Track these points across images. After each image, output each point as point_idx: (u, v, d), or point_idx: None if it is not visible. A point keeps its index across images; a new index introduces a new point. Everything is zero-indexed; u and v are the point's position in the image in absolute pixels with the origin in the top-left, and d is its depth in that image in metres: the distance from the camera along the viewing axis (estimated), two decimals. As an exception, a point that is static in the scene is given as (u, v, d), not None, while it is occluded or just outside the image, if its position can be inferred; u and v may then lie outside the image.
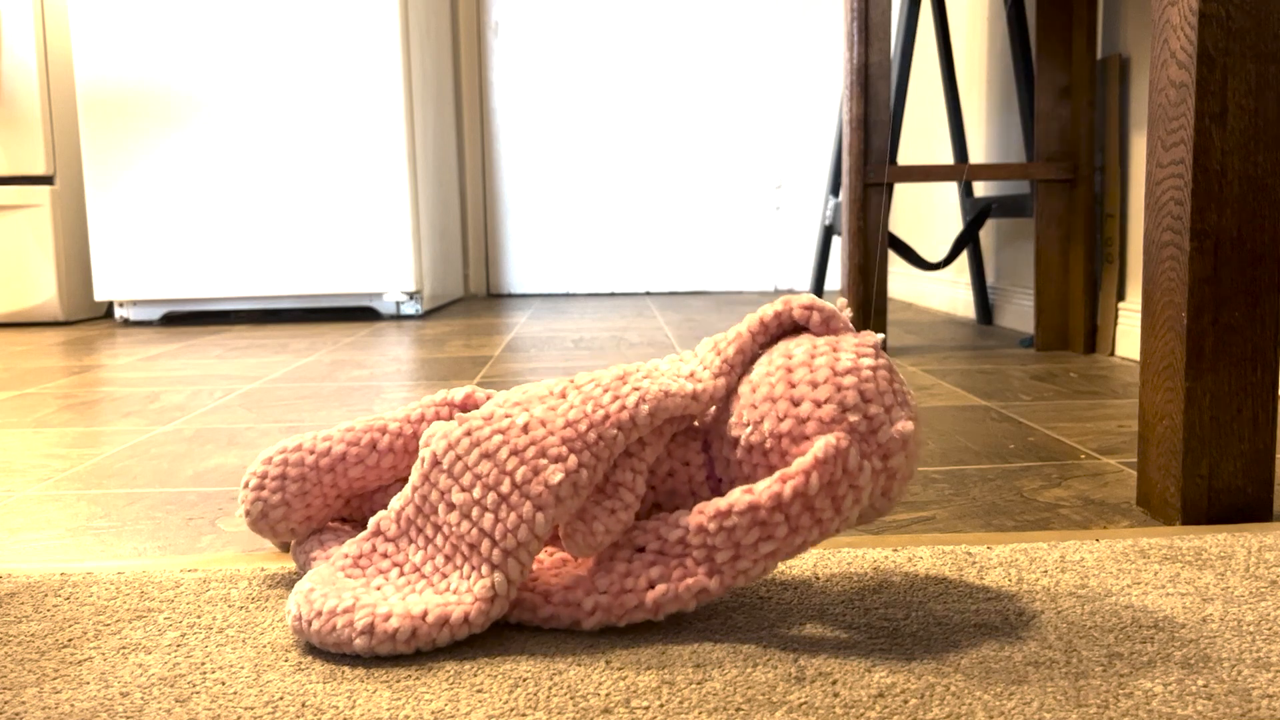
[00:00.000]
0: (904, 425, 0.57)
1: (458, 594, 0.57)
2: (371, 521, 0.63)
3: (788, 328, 0.64)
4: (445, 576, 0.58)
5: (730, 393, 0.62)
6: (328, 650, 0.56)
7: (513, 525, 0.56)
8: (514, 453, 0.58)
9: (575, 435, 0.58)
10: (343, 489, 0.68)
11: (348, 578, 0.60)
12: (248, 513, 0.68)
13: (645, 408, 0.59)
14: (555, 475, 0.57)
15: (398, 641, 0.55)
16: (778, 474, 0.56)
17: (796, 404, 0.57)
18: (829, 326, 0.63)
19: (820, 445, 0.55)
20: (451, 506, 0.59)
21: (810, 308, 0.63)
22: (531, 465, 0.57)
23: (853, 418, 0.57)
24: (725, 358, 0.63)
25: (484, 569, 0.57)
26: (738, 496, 0.56)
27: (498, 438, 0.59)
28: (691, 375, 0.63)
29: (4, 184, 2.54)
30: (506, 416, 0.60)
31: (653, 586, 0.57)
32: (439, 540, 0.59)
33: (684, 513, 0.58)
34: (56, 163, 2.57)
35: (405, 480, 0.70)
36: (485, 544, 0.57)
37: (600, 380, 0.62)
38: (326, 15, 2.40)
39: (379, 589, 0.59)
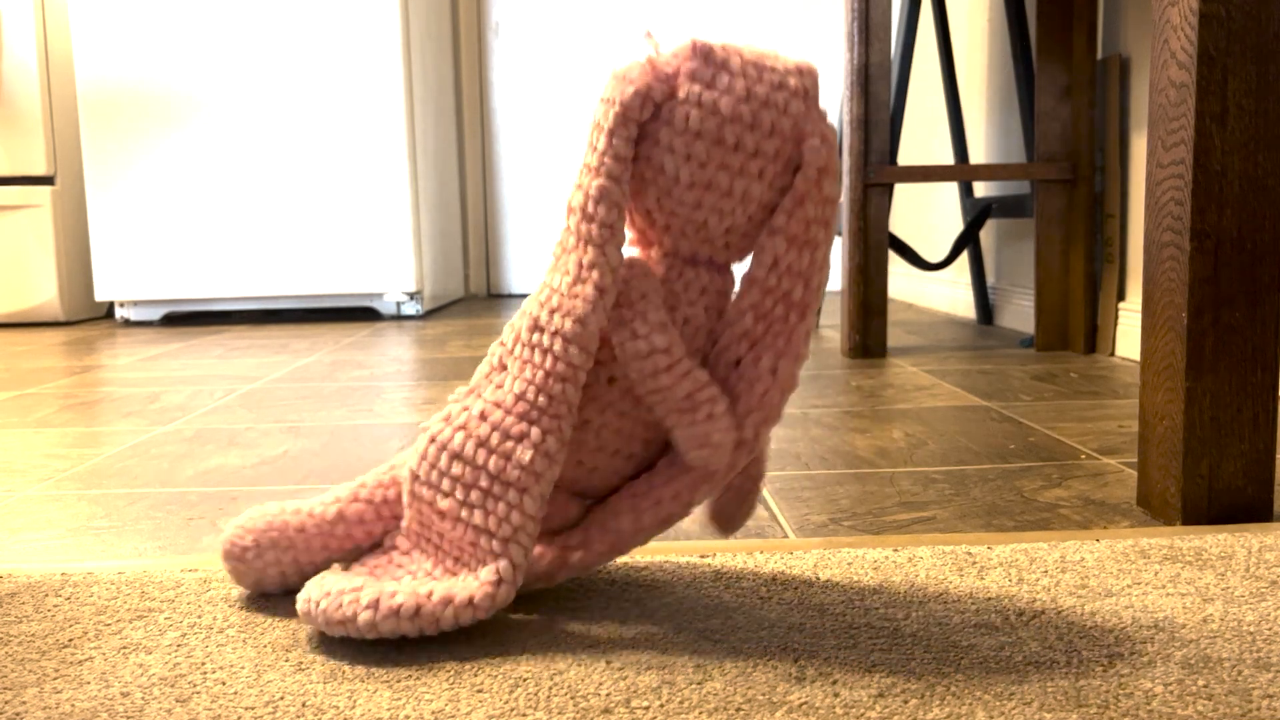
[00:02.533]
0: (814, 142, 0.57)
1: (465, 582, 0.57)
2: (386, 540, 0.63)
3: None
4: (455, 575, 0.59)
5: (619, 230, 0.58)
6: (334, 634, 0.56)
7: (503, 514, 0.56)
8: (480, 444, 0.58)
9: (528, 406, 0.58)
10: (332, 549, 0.65)
11: (366, 572, 0.60)
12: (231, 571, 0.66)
13: (574, 349, 0.57)
14: (525, 454, 0.57)
15: (401, 618, 0.55)
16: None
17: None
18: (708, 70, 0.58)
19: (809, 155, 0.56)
20: (442, 515, 0.59)
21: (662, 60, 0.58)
22: (500, 451, 0.57)
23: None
24: (592, 231, 0.57)
25: (488, 559, 0.57)
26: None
27: (460, 435, 0.58)
28: (577, 276, 0.58)
29: (5, 184, 2.54)
30: (464, 410, 0.59)
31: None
32: (446, 546, 0.59)
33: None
34: (57, 163, 2.57)
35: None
36: (484, 539, 0.57)
37: (521, 337, 0.59)
38: (327, 15, 2.40)
39: (399, 575, 0.60)
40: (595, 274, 0.57)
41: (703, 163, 0.57)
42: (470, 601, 0.56)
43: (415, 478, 0.60)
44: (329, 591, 0.56)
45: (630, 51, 3.21)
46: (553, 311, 0.58)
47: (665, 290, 0.61)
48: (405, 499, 0.61)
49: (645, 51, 0.59)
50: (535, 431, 0.57)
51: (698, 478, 0.60)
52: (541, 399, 0.57)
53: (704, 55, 0.57)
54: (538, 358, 0.58)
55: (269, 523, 0.63)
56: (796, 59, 0.59)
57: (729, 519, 0.65)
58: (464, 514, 0.58)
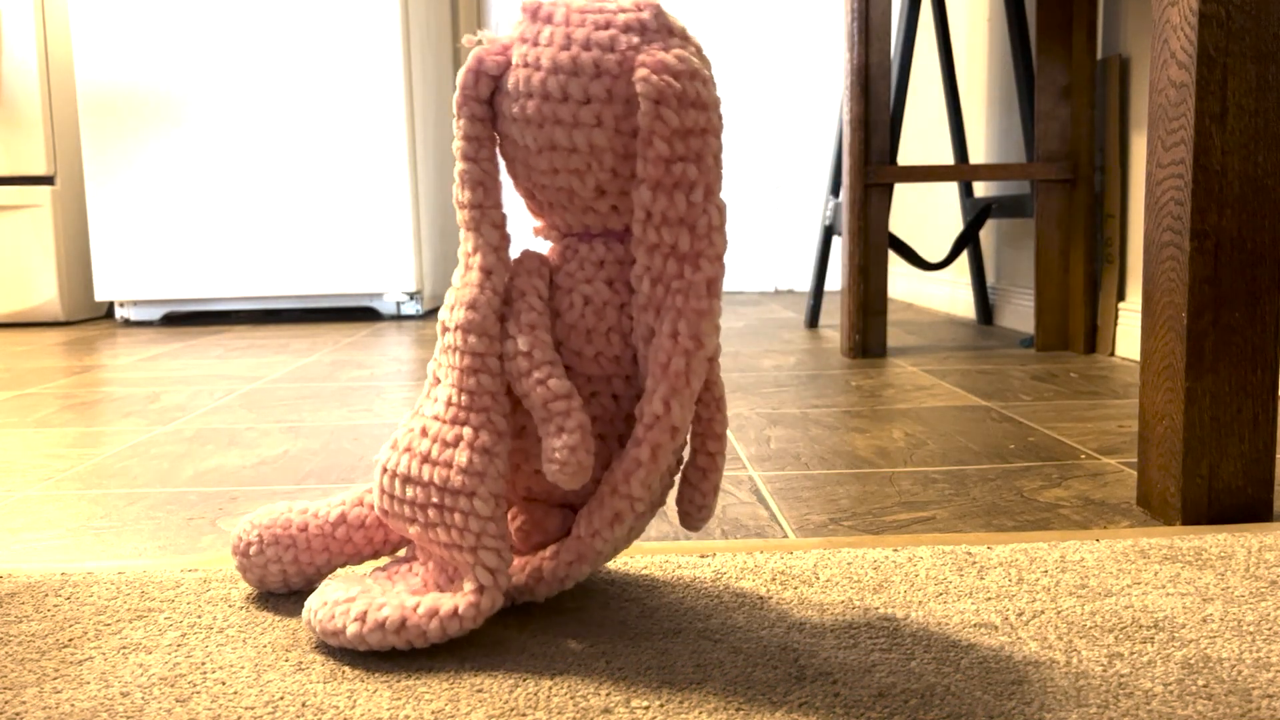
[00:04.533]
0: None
1: (450, 594, 0.57)
2: (407, 549, 0.64)
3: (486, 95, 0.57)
4: (449, 585, 0.58)
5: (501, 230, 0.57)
6: (327, 642, 0.56)
7: (461, 523, 0.55)
8: (424, 461, 0.56)
9: (455, 409, 0.56)
10: (333, 552, 0.65)
11: (375, 583, 0.60)
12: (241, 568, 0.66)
13: (472, 338, 0.56)
14: (461, 456, 0.55)
15: (387, 631, 0.54)
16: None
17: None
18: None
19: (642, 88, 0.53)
20: (421, 540, 0.58)
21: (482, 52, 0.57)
22: (441, 462, 0.56)
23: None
24: (475, 246, 0.57)
25: (466, 571, 0.56)
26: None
27: (405, 457, 0.57)
28: (465, 264, 0.58)
29: (4, 184, 2.54)
30: (409, 432, 0.58)
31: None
32: (438, 561, 0.59)
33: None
34: (57, 163, 2.57)
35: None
36: (454, 553, 0.56)
37: (440, 344, 0.59)
38: (328, 16, 2.40)
39: (394, 589, 0.59)
40: (478, 257, 0.57)
41: (539, 123, 0.55)
42: (455, 613, 0.55)
43: (384, 513, 0.59)
44: (325, 601, 0.56)
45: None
46: (451, 307, 0.57)
47: (560, 274, 0.59)
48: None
49: (488, 32, 0.58)
50: (467, 431, 0.55)
51: (629, 467, 0.56)
52: (463, 398, 0.56)
53: (531, 13, 0.56)
54: (453, 358, 0.57)
55: (274, 520, 0.64)
56: None
57: (684, 514, 0.61)
58: (430, 535, 0.56)
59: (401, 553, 0.66)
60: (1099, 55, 1.73)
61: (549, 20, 0.55)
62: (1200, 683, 0.51)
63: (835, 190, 2.08)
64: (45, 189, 2.54)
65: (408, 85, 2.46)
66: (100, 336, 2.32)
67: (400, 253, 2.47)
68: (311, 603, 0.57)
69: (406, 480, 0.57)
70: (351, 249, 2.46)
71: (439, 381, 0.59)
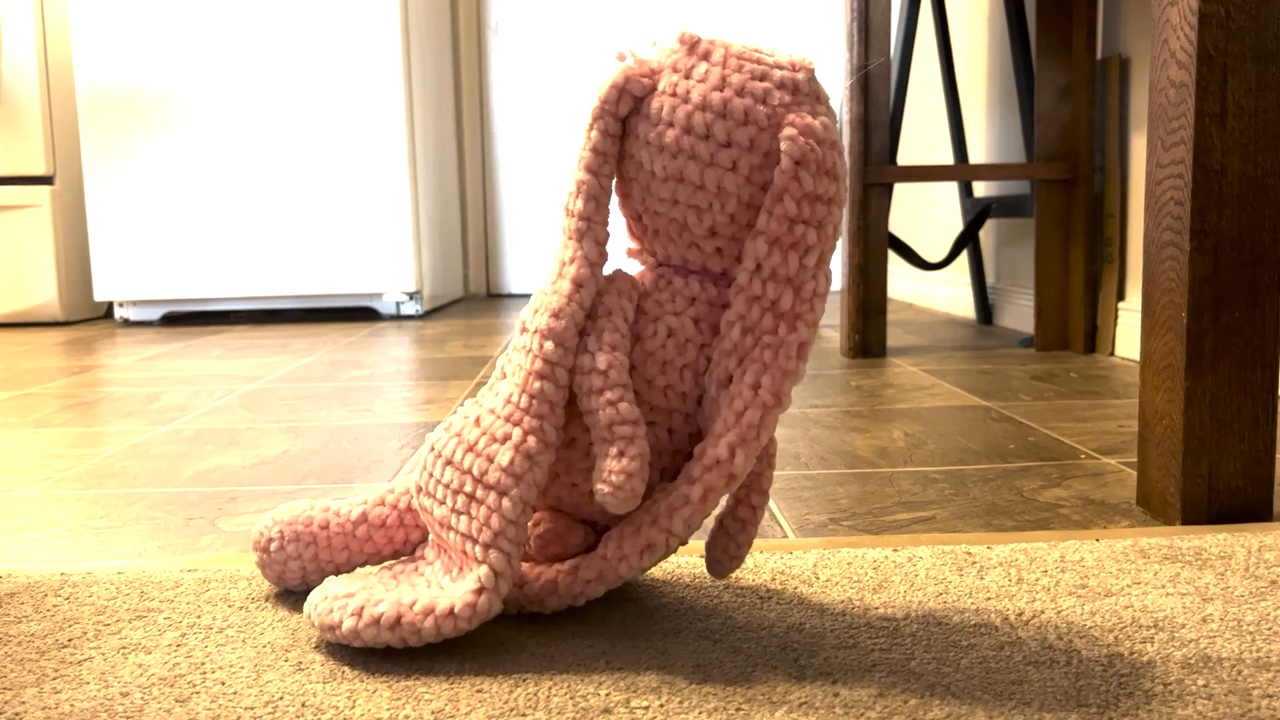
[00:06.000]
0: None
1: (449, 591, 0.57)
2: (418, 549, 0.64)
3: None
4: (461, 574, 0.58)
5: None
6: (327, 639, 0.56)
7: (484, 518, 0.55)
8: (469, 450, 0.57)
9: (513, 408, 0.57)
10: (353, 550, 0.65)
11: (379, 581, 0.60)
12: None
13: (549, 344, 0.56)
14: (504, 455, 0.55)
15: (381, 626, 0.54)
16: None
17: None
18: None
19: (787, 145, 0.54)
20: (441, 524, 0.58)
21: (642, 73, 0.57)
22: (485, 455, 0.56)
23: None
24: (577, 228, 0.58)
25: (473, 565, 0.56)
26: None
27: (453, 442, 0.58)
28: (559, 272, 0.58)
29: (4, 184, 2.54)
30: (464, 419, 0.59)
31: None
32: (452, 555, 0.59)
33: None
34: (56, 163, 2.57)
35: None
36: (469, 545, 0.56)
37: (514, 341, 0.59)
38: (327, 16, 2.40)
39: (396, 587, 0.59)
40: (573, 268, 0.57)
41: (673, 153, 0.55)
42: (450, 612, 0.54)
43: (419, 489, 0.60)
44: (326, 596, 0.56)
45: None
46: (535, 310, 0.58)
47: (649, 301, 0.59)
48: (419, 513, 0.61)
49: (636, 51, 0.58)
50: (516, 432, 0.56)
51: (675, 502, 0.56)
52: (524, 399, 0.56)
53: (689, 46, 0.56)
54: (524, 359, 0.57)
55: (294, 518, 0.64)
56: (794, 54, 0.57)
57: (714, 561, 0.61)
58: (454, 520, 0.57)
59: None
60: (1099, 55, 1.73)
61: (706, 57, 0.56)
62: (1200, 682, 0.51)
63: (835, 190, 2.08)
64: (44, 189, 2.54)
65: (407, 85, 2.46)
66: (100, 336, 2.32)
67: (400, 253, 2.47)
68: (313, 597, 0.57)
69: (449, 463, 0.57)
70: (351, 249, 2.46)
71: (505, 377, 0.59)
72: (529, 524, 0.61)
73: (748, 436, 0.55)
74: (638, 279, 0.60)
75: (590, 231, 0.57)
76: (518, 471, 0.55)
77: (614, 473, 0.54)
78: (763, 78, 0.55)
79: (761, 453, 0.59)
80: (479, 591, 0.55)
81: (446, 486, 0.57)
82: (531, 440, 0.55)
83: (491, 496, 0.55)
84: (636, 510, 0.58)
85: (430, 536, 0.62)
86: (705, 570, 0.68)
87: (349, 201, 2.45)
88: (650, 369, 0.58)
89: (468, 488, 0.56)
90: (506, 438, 0.56)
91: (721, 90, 0.55)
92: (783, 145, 0.54)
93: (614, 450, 0.54)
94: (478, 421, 0.58)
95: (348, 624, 0.54)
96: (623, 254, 0.61)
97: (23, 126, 2.52)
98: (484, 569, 0.55)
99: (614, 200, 0.60)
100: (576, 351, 0.57)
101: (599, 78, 0.59)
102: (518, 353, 0.59)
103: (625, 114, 0.57)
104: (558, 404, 0.56)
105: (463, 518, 0.56)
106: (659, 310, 0.58)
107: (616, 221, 2.82)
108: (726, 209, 0.56)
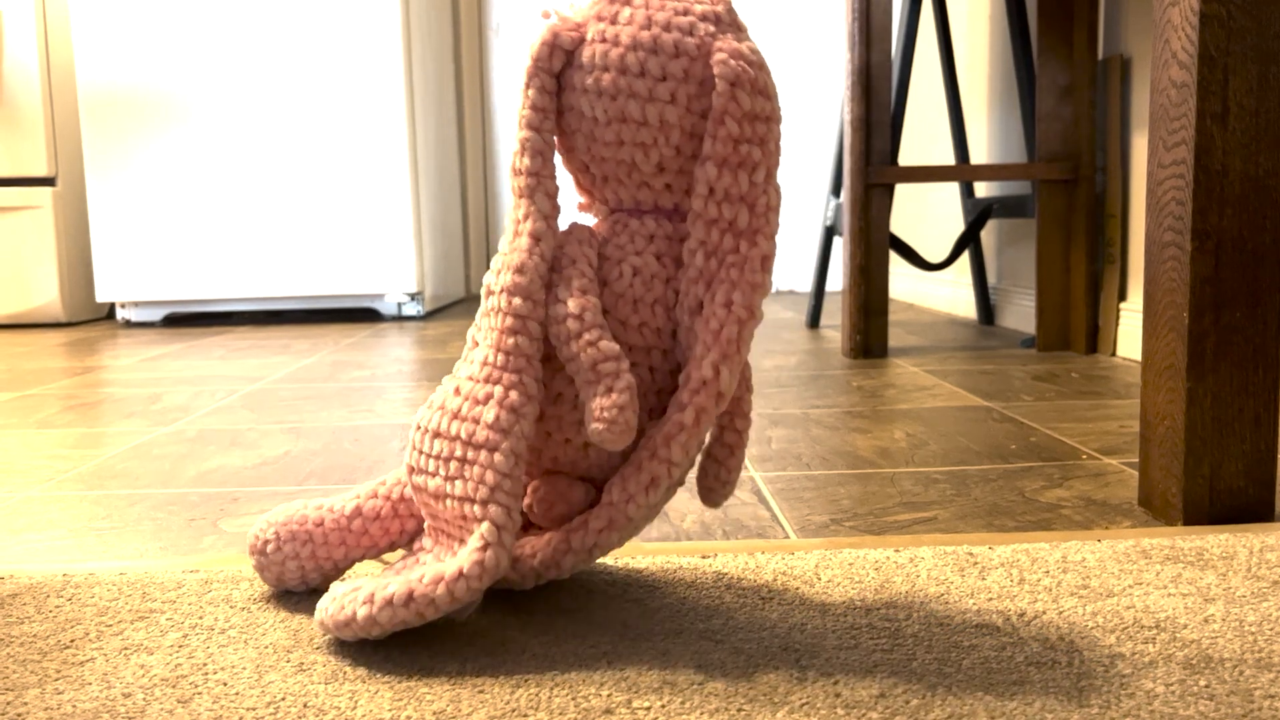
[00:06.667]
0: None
1: (455, 558, 0.56)
2: (414, 542, 0.64)
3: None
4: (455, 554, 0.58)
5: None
6: (345, 637, 0.56)
7: (478, 477, 0.56)
8: (454, 417, 0.58)
9: (490, 368, 0.58)
10: (350, 546, 0.65)
11: (380, 575, 0.60)
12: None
13: (517, 300, 0.57)
14: (489, 413, 0.56)
15: (395, 606, 0.54)
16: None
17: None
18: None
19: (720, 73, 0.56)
20: (436, 496, 0.58)
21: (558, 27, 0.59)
22: (469, 418, 0.57)
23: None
24: (524, 184, 0.59)
25: (474, 525, 0.56)
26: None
27: (438, 414, 0.58)
28: (514, 230, 0.59)
29: (6, 185, 2.54)
30: (444, 391, 0.60)
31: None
32: (450, 530, 0.59)
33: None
34: (58, 164, 2.57)
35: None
36: (467, 507, 0.56)
37: (481, 307, 0.60)
38: (328, 17, 2.40)
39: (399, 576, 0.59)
40: (529, 224, 0.58)
41: (612, 95, 0.57)
42: (460, 574, 0.54)
43: (411, 470, 0.60)
44: (334, 596, 0.56)
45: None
46: (498, 271, 0.59)
47: (609, 246, 0.60)
48: (414, 497, 0.61)
49: (559, 9, 0.61)
50: (498, 390, 0.57)
51: (670, 431, 0.57)
52: (499, 358, 0.57)
53: None
54: (495, 320, 0.59)
55: (289, 517, 0.64)
56: None
57: (707, 490, 0.62)
58: (449, 488, 0.57)
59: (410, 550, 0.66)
60: (1100, 55, 1.72)
61: (628, 2, 0.58)
62: (1202, 683, 0.51)
63: (836, 191, 2.08)
64: (46, 190, 2.54)
65: (408, 86, 2.46)
66: (101, 337, 2.32)
67: (401, 254, 2.47)
68: (321, 603, 0.57)
69: (436, 435, 0.58)
70: (353, 250, 2.46)
71: (477, 345, 0.60)
72: (529, 490, 0.61)
73: (729, 352, 0.57)
74: (594, 228, 0.62)
75: (540, 186, 0.59)
76: (504, 426, 0.56)
77: (605, 409, 0.55)
78: (685, 13, 0.58)
79: (739, 377, 0.61)
80: (484, 547, 0.54)
81: (437, 458, 0.58)
82: (514, 394, 0.56)
83: (483, 455, 0.56)
84: (633, 450, 0.59)
85: (426, 524, 0.62)
86: (706, 569, 0.68)
87: (350, 202, 2.45)
88: (623, 309, 0.59)
89: (458, 453, 0.57)
90: (489, 397, 0.57)
91: (649, 29, 0.57)
92: (716, 70, 0.56)
93: (601, 388, 0.56)
94: (457, 391, 0.58)
95: (362, 613, 0.54)
96: (574, 210, 0.64)
97: (24, 128, 2.52)
98: (485, 525, 0.55)
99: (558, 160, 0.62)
100: (547, 303, 0.58)
101: (528, 38, 0.61)
102: (486, 317, 0.59)
103: (559, 68, 0.59)
104: (534, 357, 0.57)
105: (457, 482, 0.56)
106: (620, 253, 0.60)
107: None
108: (671, 141, 0.58)
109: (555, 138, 0.60)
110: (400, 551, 0.70)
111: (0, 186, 2.54)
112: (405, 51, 2.45)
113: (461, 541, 0.58)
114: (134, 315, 2.55)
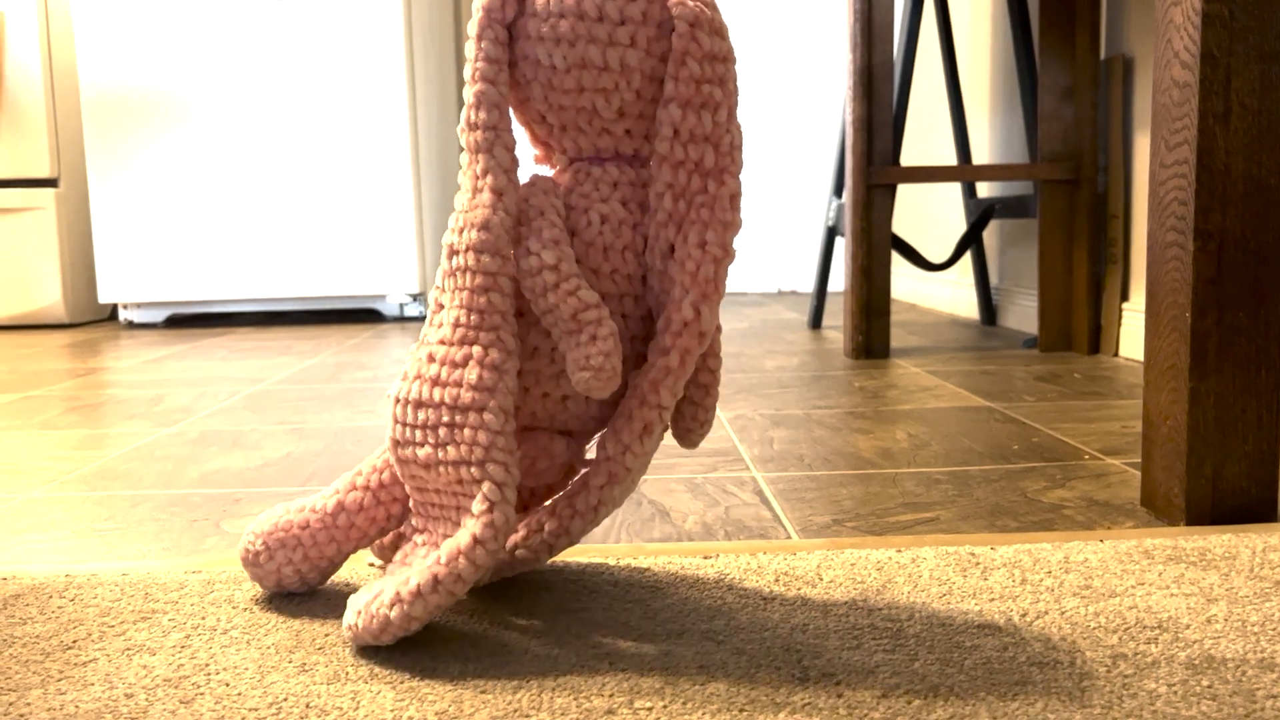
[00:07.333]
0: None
1: (463, 530, 0.56)
2: (404, 527, 0.63)
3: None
4: (459, 525, 0.58)
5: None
6: (385, 643, 0.55)
7: (471, 439, 0.55)
8: (435, 384, 0.57)
9: (464, 329, 0.57)
10: (340, 541, 0.65)
11: (390, 576, 0.60)
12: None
13: (485, 257, 0.56)
14: (471, 374, 0.56)
15: (425, 594, 0.54)
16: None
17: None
18: None
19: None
20: (426, 467, 0.57)
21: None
22: (451, 383, 0.56)
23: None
24: (476, 140, 0.59)
25: (474, 489, 0.55)
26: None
27: (416, 384, 0.58)
28: (474, 187, 0.58)
29: (8, 187, 2.55)
30: (416, 361, 0.59)
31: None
32: (443, 501, 0.59)
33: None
34: (61, 166, 2.58)
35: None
36: (463, 470, 0.56)
37: (444, 268, 0.60)
38: (331, 18, 2.40)
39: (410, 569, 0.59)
40: (490, 179, 0.57)
41: (571, 40, 0.57)
42: (475, 540, 0.54)
43: (395, 444, 0.59)
44: (359, 609, 0.56)
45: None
46: (460, 230, 0.58)
47: (574, 196, 0.60)
48: (400, 473, 0.60)
49: None
50: (476, 349, 0.56)
51: (656, 376, 0.58)
52: (473, 317, 0.57)
53: None
54: (462, 279, 0.58)
55: (275, 524, 0.63)
56: None
57: (684, 431, 0.62)
58: (440, 454, 0.56)
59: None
60: (1102, 55, 1.72)
61: None
62: (1204, 683, 0.51)
63: (838, 191, 2.08)
64: (49, 191, 2.55)
65: (410, 87, 2.47)
66: (104, 339, 2.32)
67: (403, 254, 2.47)
68: (346, 619, 0.57)
69: (419, 405, 0.57)
70: (355, 251, 2.46)
71: (443, 307, 0.59)
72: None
73: (708, 291, 0.57)
74: (555, 179, 0.61)
75: (499, 139, 0.58)
76: (489, 384, 0.55)
77: (591, 356, 0.55)
78: None
79: None
80: (490, 508, 0.54)
81: (423, 427, 0.57)
82: (493, 352, 0.56)
83: (471, 416, 0.55)
84: (621, 400, 0.59)
85: (411, 503, 0.62)
86: (708, 570, 0.68)
87: (352, 203, 2.45)
88: (594, 258, 0.59)
89: (445, 418, 0.56)
90: (467, 358, 0.56)
91: None
92: (674, 11, 0.57)
93: (585, 336, 0.55)
94: (430, 358, 0.58)
95: (395, 613, 0.54)
96: (530, 164, 0.62)
97: (27, 129, 2.52)
98: (486, 484, 0.54)
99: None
100: (517, 257, 0.57)
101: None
102: (450, 277, 0.58)
103: (511, 18, 0.58)
104: (508, 313, 0.57)
105: (448, 448, 0.56)
106: (586, 201, 0.60)
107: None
108: (632, 85, 0.58)
109: (509, 90, 0.60)
110: (392, 540, 0.69)
111: (3, 188, 2.54)
112: (407, 51, 2.45)
113: (457, 510, 0.57)
114: (136, 316, 2.55)
